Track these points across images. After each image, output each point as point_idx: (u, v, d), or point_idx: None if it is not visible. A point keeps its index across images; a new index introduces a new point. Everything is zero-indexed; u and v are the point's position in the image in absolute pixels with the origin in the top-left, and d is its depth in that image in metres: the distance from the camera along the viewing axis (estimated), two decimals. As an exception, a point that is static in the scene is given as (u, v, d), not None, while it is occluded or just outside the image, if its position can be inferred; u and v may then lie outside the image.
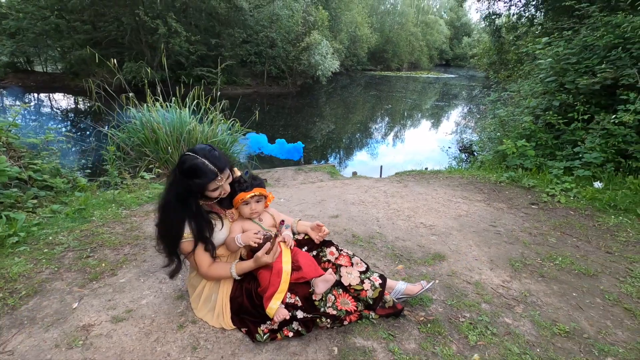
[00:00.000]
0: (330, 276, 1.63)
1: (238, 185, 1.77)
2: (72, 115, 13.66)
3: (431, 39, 51.96)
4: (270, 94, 19.02)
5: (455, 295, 2.07)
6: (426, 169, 5.98)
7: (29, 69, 18.52)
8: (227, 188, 1.66)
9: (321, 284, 1.61)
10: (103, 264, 2.13)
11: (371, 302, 1.76)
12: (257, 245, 1.63)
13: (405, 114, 17.66)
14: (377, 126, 14.78)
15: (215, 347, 1.57)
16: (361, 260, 1.87)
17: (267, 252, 1.60)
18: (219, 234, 1.70)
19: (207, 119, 5.73)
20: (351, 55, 32.67)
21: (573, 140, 4.66)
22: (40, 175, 3.39)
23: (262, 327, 1.63)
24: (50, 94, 16.86)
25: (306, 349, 1.60)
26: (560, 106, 5.00)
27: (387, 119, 16.65)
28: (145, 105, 5.40)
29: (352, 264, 1.82)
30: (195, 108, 5.78)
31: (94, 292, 1.87)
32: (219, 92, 6.08)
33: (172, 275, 1.68)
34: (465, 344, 1.70)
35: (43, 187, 3.39)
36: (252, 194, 1.77)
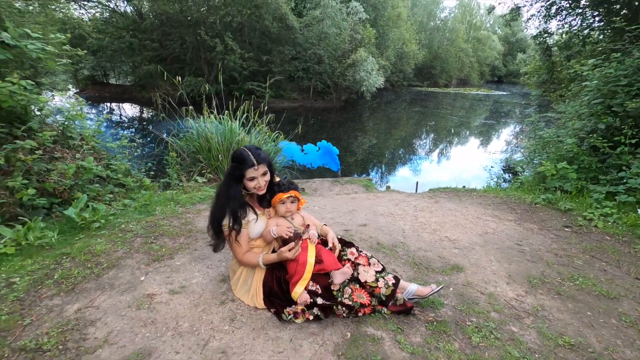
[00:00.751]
0: (347, 270, 1.91)
1: (277, 187, 2.12)
2: (137, 123, 15.22)
3: (483, 55, 50.51)
4: (315, 108, 19.71)
5: (467, 303, 2.23)
6: (463, 187, 6.00)
7: (105, 81, 20.91)
8: (262, 184, 2.02)
9: (339, 276, 1.89)
10: (163, 249, 2.57)
11: (384, 299, 2.00)
12: (287, 237, 1.95)
13: (450, 131, 17.40)
14: (419, 142, 14.74)
15: (248, 320, 1.90)
16: (378, 261, 2.12)
17: (290, 249, 1.92)
18: (256, 226, 2.05)
19: (254, 131, 6.29)
20: (397, 71, 32.75)
21: (618, 164, 4.51)
22: (116, 175, 4.01)
23: (288, 309, 1.94)
24: (121, 104, 18.89)
25: (323, 331, 1.88)
26: (607, 129, 4.86)
27: (430, 135, 16.53)
28: (201, 117, 6.07)
29: (369, 264, 2.07)
30: (244, 120, 6.37)
31: (156, 270, 2.29)
32: (266, 107, 6.64)
33: (215, 249, 2.06)
34: (468, 343, 1.87)
35: (117, 185, 4.01)
36: (288, 195, 2.11)
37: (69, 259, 2.32)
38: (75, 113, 3.96)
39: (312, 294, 1.91)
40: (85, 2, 19.27)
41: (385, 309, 2.04)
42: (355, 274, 2.04)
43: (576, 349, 1.88)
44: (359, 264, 2.06)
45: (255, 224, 2.05)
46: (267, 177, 2.07)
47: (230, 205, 1.96)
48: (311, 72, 19.08)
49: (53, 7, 19.45)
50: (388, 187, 6.24)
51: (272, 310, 1.99)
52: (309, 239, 2.05)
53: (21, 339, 1.63)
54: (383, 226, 3.46)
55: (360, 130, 16.55)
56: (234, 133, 5.98)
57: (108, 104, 18.78)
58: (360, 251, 2.13)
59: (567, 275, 2.64)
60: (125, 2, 20.24)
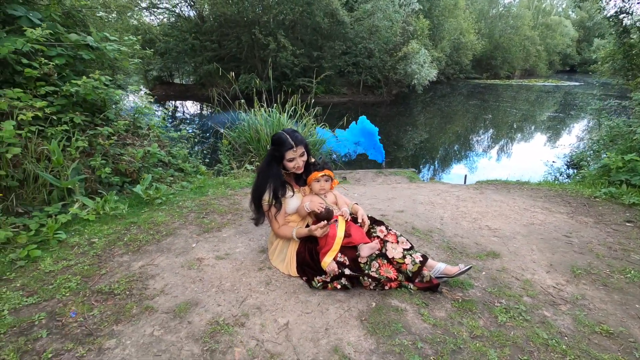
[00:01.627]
0: (374, 244, 2.01)
1: (313, 166, 2.29)
2: (197, 119, 16.40)
3: (552, 42, 46.11)
4: (364, 102, 19.62)
5: (498, 286, 2.22)
6: (518, 181, 5.69)
7: (171, 81, 22.77)
8: (301, 164, 2.19)
9: (366, 249, 2.00)
10: (213, 223, 2.87)
11: (410, 275, 2.07)
12: (319, 212, 2.11)
13: (511, 125, 16.30)
14: (474, 138, 14.04)
15: (282, 285, 2.10)
16: (407, 240, 2.19)
17: (320, 229, 2.07)
18: (292, 201, 2.23)
19: (301, 123, 6.55)
20: (453, 63, 31.22)
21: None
22: (176, 160, 4.47)
23: (318, 277, 2.10)
24: (184, 102, 20.47)
25: (349, 299, 2.01)
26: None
27: (488, 130, 15.64)
28: (252, 110, 6.47)
29: (397, 242, 2.16)
30: (291, 113, 6.66)
31: (205, 239, 2.59)
32: (312, 100, 6.86)
33: (256, 223, 2.28)
34: (494, 321, 1.88)
35: (177, 169, 4.48)
36: (323, 174, 2.26)
37: (135, 226, 2.71)
38: (143, 106, 4.47)
39: (340, 265, 2.05)
40: (155, 10, 21.15)
41: (411, 285, 2.11)
42: (384, 250, 2.13)
43: (614, 337, 1.81)
44: (387, 241, 2.15)
45: (292, 199, 2.24)
46: (305, 158, 2.24)
47: (271, 183, 2.16)
48: (361, 67, 19.01)
49: (128, 14, 21.57)
50: (432, 178, 6.12)
51: (304, 278, 2.16)
52: (342, 215, 2.19)
53: (99, 284, 1.99)
54: (421, 213, 3.48)
55: (411, 124, 16.16)
56: (282, 125, 6.29)
57: (172, 102, 20.46)
58: (390, 229, 2.22)
59: (619, 268, 2.48)
60: (189, 7, 21.88)
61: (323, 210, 2.11)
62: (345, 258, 2.05)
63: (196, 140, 5.60)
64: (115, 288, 1.95)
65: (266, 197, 2.17)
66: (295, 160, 2.17)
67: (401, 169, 6.61)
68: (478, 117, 17.76)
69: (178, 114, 17.90)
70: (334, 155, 7.15)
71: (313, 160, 2.37)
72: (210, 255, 2.37)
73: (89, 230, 2.61)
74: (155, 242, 2.51)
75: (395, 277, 2.07)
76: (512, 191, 4.49)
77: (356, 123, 6.79)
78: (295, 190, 2.29)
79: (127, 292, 1.93)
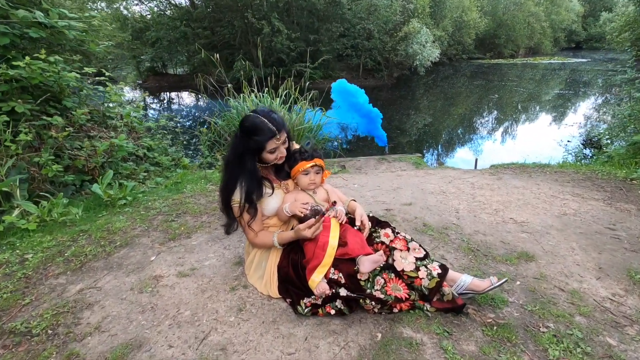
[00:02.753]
0: (378, 257, 1.51)
1: (299, 155, 1.77)
2: (192, 109, 15.82)
3: (557, 18, 44.50)
4: (364, 86, 18.80)
5: (540, 302, 1.72)
6: (536, 164, 5.14)
7: (164, 72, 22.07)
8: (284, 152, 1.68)
9: (367, 263, 1.50)
10: (182, 228, 2.38)
11: (426, 292, 1.58)
12: (303, 215, 1.60)
13: (517, 105, 15.58)
14: (481, 119, 13.37)
15: (259, 312, 1.61)
16: (420, 246, 1.69)
17: (309, 227, 1.56)
18: (271, 201, 1.72)
19: (296, 108, 5.99)
20: (455, 44, 30.16)
21: None
22: (152, 154, 3.96)
23: (305, 300, 1.60)
24: (179, 92, 19.83)
25: (347, 329, 1.52)
26: None
27: (494, 111, 14.95)
28: (241, 96, 5.91)
29: (408, 249, 1.66)
30: (284, 98, 6.09)
31: (169, 249, 2.10)
32: (307, 83, 6.30)
33: (227, 230, 1.76)
34: (543, 357, 1.38)
35: (154, 164, 3.98)
36: (313, 164, 1.74)
37: (85, 236, 2.23)
38: (112, 93, 3.95)
39: (333, 283, 1.55)
40: (145, -2, 20.32)
41: (428, 306, 1.62)
42: (390, 260, 1.64)
43: None
44: (394, 249, 1.65)
45: (270, 199, 1.73)
46: (287, 144, 1.72)
47: (244, 182, 1.64)
48: (360, 49, 18.21)
49: (116, 5, 20.81)
50: (441, 164, 5.59)
51: (287, 300, 1.67)
52: (335, 216, 1.69)
53: (14, 320, 1.51)
54: (432, 205, 2.97)
55: (413, 108, 15.49)
56: (274, 110, 5.74)
57: (167, 94, 19.84)
58: (397, 233, 1.72)
59: (687, 270, 1.96)
60: (179, -7, 21.02)
61: (308, 211, 1.60)
62: (340, 275, 1.55)
63: (178, 130, 5.07)
64: (35, 326, 1.47)
65: (236, 197, 1.65)
66: (278, 149, 1.66)
67: (406, 155, 6.07)
68: (484, 98, 17.03)
69: (174, 106, 17.32)
70: (335, 143, 6.61)
71: (298, 146, 1.85)
72: (171, 271, 1.88)
73: (25, 243, 2.13)
74: (105, 255, 2.02)
75: (407, 296, 1.57)
76: (533, 175, 3.95)
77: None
78: (275, 186, 1.77)
79: (50, 332, 1.45)
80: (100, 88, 3.83)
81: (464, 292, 1.65)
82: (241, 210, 1.65)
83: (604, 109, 12.85)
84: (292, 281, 1.66)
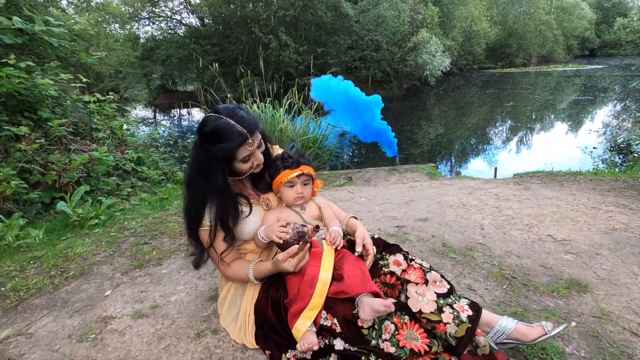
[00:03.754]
0: (382, 307, 1.08)
1: (281, 162, 1.38)
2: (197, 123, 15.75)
3: (569, 26, 43.84)
4: (374, 98, 18.60)
5: (609, 352, 1.26)
6: (567, 171, 4.64)
7: (174, 89, 22.32)
8: (260, 157, 1.30)
9: (368, 309, 1.09)
10: (154, 252, 2.01)
11: (453, 343, 1.15)
12: (282, 241, 1.21)
13: (534, 112, 14.99)
14: (495, 128, 12.84)
15: (227, 370, 1.21)
16: (442, 277, 1.27)
17: (292, 256, 1.17)
18: (248, 223, 1.33)
19: (299, 117, 5.67)
20: (465, 54, 29.81)
21: None
22: (141, 168, 3.65)
23: (289, 353, 1.19)
24: (188, 109, 19.91)
25: (345, 398, 1.10)
26: None
27: (509, 119, 14.39)
28: (243, 106, 5.62)
29: (426, 282, 1.24)
30: (287, 107, 5.79)
31: (132, 280, 1.73)
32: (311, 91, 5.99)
33: (196, 264, 1.38)
34: None
35: (143, 179, 3.66)
36: (299, 172, 1.35)
37: (37, 264, 1.88)
38: (106, 106, 3.69)
39: (326, 332, 1.15)
40: (157, 19, 20.70)
41: (456, 361, 1.19)
42: (403, 298, 1.23)
43: None
44: (408, 282, 1.24)
45: (247, 220, 1.34)
46: (263, 147, 1.35)
47: (215, 202, 1.26)
48: (369, 61, 18.00)
49: (128, 26, 21.34)
50: (458, 174, 5.14)
51: (266, 352, 1.26)
52: (325, 239, 1.29)
53: None
54: (451, 221, 2.53)
55: (425, 119, 15.07)
56: (277, 120, 5.44)
57: (177, 110, 19.95)
58: (412, 260, 1.31)
59: None
60: (189, 14, 21.39)
61: (288, 235, 1.21)
62: (335, 321, 1.15)
63: (171, 141, 4.78)
64: None
65: (206, 221, 1.27)
66: (253, 156, 1.27)
67: (418, 165, 5.63)
68: (498, 106, 16.49)
69: (184, 122, 17.32)
70: (345, 157, 6.25)
71: (279, 151, 1.48)
72: (126, 310, 1.50)
73: (-38, 273, 1.79)
74: (51, 289, 1.66)
75: (427, 348, 1.15)
76: (565, 184, 3.47)
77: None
78: (252, 202, 1.38)
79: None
80: (85, 98, 3.57)
81: (506, 341, 1.21)
82: (211, 238, 1.27)
83: (624, 115, 12.19)
84: (273, 326, 1.25)
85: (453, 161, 9.52)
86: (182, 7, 20.39)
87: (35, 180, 2.58)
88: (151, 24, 21.51)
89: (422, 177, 4.89)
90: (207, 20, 19.85)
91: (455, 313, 1.17)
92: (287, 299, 1.22)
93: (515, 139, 10.85)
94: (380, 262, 1.33)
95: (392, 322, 1.17)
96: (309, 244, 1.17)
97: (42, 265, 1.85)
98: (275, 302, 1.26)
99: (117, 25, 21.53)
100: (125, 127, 4.05)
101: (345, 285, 1.14)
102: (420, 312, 1.19)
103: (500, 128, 12.55)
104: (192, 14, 20.69)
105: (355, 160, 6.98)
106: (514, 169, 6.86)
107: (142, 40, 20.60)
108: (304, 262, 1.19)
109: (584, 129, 10.88)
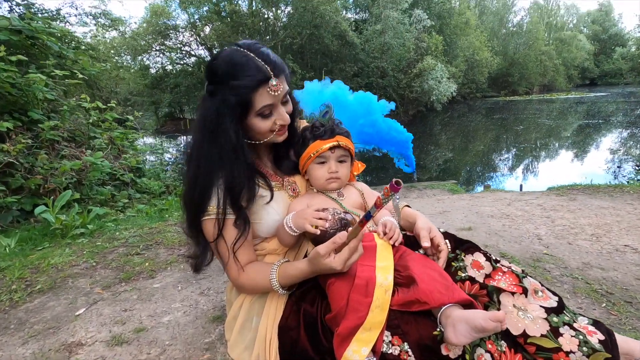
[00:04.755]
0: (489, 322, 0.69)
1: (311, 132, 1.03)
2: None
3: (569, 56, 44.78)
4: (380, 124, 18.53)
5: None
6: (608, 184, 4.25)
7: (182, 116, 22.54)
8: (285, 117, 0.92)
9: (463, 327, 0.70)
10: (147, 264, 1.63)
11: (585, 384, 0.75)
12: (320, 232, 0.84)
13: (545, 135, 14.73)
14: (504, 155, 12.53)
15: None
16: (544, 286, 0.89)
17: (338, 250, 0.79)
18: (269, 212, 0.97)
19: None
20: (469, 82, 30.22)
21: None
22: (141, 180, 3.34)
23: (334, 399, 0.79)
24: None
25: None
26: None
27: (521, 141, 14.12)
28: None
29: (524, 291, 0.85)
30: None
31: (114, 296, 1.34)
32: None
33: (196, 267, 0.97)
34: None
35: (143, 191, 3.33)
36: (334, 143, 0.99)
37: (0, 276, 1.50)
38: (106, 115, 3.44)
39: (390, 363, 0.75)
40: (169, 51, 21.29)
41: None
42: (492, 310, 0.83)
43: None
44: (499, 291, 0.85)
45: (267, 207, 0.97)
46: (291, 107, 0.97)
47: (225, 170, 0.89)
48: (374, 87, 18.14)
49: (139, 57, 21.95)
50: (487, 187, 4.76)
51: (297, 396, 0.86)
52: (381, 232, 0.93)
53: None
54: (500, 230, 2.14)
55: (433, 144, 14.87)
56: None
57: (184, 137, 20.01)
58: (497, 260, 0.92)
59: None
60: (198, 45, 22.02)
61: (328, 223, 0.84)
62: (404, 347, 0.75)
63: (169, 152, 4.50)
64: None
65: (212, 203, 0.90)
66: (276, 109, 0.91)
67: (438, 182, 5.28)
68: (508, 130, 16.31)
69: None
70: (357, 176, 5.92)
71: (307, 118, 1.13)
72: (101, 334, 1.11)
73: None
74: (9, 307, 1.27)
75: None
76: (614, 195, 3.08)
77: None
78: (274, 185, 1.02)
79: None
80: (85, 104, 3.31)
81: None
82: (219, 225, 0.90)
83: (633, 140, 11.88)
84: (307, 356, 0.85)
85: (471, 180, 9.11)
86: (192, 39, 21.03)
87: (17, 185, 2.25)
88: (162, 54, 22.14)
89: (444, 193, 4.51)
90: (215, 50, 20.37)
91: (581, 337, 0.78)
92: (329, 315, 0.83)
93: (530, 159, 10.51)
94: (453, 263, 0.94)
95: (487, 351, 0.77)
96: (364, 229, 0.79)
97: (4, 278, 1.48)
98: (310, 320, 0.87)
99: (128, 57, 22.17)
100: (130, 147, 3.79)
101: (420, 292, 0.76)
102: (524, 334, 0.79)
103: (513, 148, 12.25)
104: (201, 46, 21.30)
105: (367, 178, 6.63)
106: (539, 185, 6.45)
107: (152, 70, 21.09)
108: (356, 256, 0.81)
109: (598, 149, 10.54)
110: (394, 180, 0.68)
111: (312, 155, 1.01)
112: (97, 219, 2.29)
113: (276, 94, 0.87)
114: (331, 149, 1.00)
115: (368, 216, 0.74)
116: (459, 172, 9.82)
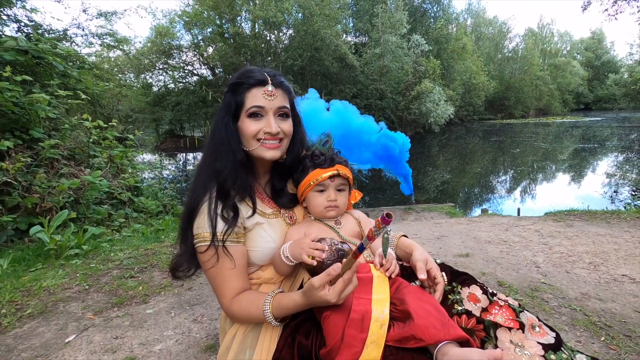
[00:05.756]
0: (493, 353, 0.70)
1: (310, 160, 1.04)
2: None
3: (563, 81, 45.83)
4: (379, 145, 18.69)
5: None
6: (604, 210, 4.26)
7: (182, 134, 22.70)
8: (274, 127, 0.92)
9: (459, 362, 0.69)
10: (140, 287, 1.61)
11: None
12: (317, 262, 0.84)
13: (541, 158, 14.87)
14: (501, 177, 12.61)
15: None
16: (541, 321, 0.88)
17: (332, 281, 0.79)
18: (265, 239, 0.97)
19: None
20: (466, 105, 30.76)
21: None
22: (139, 199, 3.33)
23: None
24: (193, 153, 20.05)
25: None
26: None
27: (518, 164, 14.24)
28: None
29: (521, 326, 0.85)
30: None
31: (106, 322, 1.32)
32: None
33: (174, 269, 0.96)
34: None
35: (140, 210, 3.32)
36: (333, 172, 1.01)
37: (-11, 299, 1.47)
38: (99, 135, 3.47)
39: (386, 404, 0.74)
40: (172, 70, 21.68)
41: None
42: (493, 347, 0.82)
43: None
44: (496, 326, 0.84)
45: (261, 232, 0.97)
46: (288, 126, 0.97)
47: (217, 164, 0.92)
48: (373, 108, 18.41)
49: (142, 75, 22.29)
50: (485, 211, 4.76)
51: None
52: (378, 263, 0.92)
53: None
54: (497, 257, 2.13)
55: (431, 165, 14.95)
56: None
57: (184, 155, 20.07)
58: (493, 294, 0.91)
59: None
60: (201, 65, 22.45)
61: (325, 254, 0.84)
62: (400, 385, 0.74)
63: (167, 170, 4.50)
64: None
65: (207, 233, 0.89)
66: (266, 116, 0.92)
67: (436, 204, 5.28)
68: (505, 153, 16.46)
69: (189, 166, 17.30)
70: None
71: (310, 146, 1.14)
72: (90, 363, 1.08)
73: None
74: (0, 331, 1.25)
75: None
76: (611, 222, 3.09)
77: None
78: (271, 210, 1.03)
79: None
80: (86, 124, 3.34)
81: None
82: (214, 223, 0.88)
83: (629, 164, 11.99)
84: (300, 393, 0.84)
85: (469, 202, 9.11)
86: (195, 58, 21.44)
87: (13, 204, 2.24)
88: (164, 73, 22.52)
89: (441, 216, 4.50)
90: (217, 70, 20.74)
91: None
92: (323, 350, 0.81)
93: (527, 182, 10.56)
94: (450, 296, 0.94)
95: (485, 390, 0.76)
96: (358, 261, 0.79)
97: (-7, 301, 1.46)
98: (304, 353, 0.86)
99: (132, 75, 22.51)
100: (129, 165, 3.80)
101: (416, 328, 0.75)
102: (522, 372, 0.78)
103: (511, 171, 12.33)
104: (204, 65, 21.70)
105: (366, 198, 6.63)
106: (537, 208, 6.45)
107: (155, 88, 21.37)
108: (351, 288, 0.80)
109: (595, 173, 10.63)
110: (385, 213, 0.69)
111: (311, 183, 1.02)
112: (92, 238, 2.28)
113: (269, 99, 0.91)
114: (331, 177, 1.01)
115: (361, 248, 0.75)
116: (457, 193, 9.84)
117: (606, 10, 8.96)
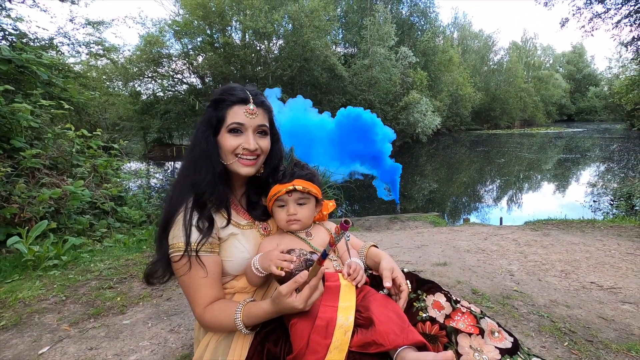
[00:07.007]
0: (443, 356, 0.74)
1: (272, 177, 1.09)
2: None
3: (547, 93, 47.21)
4: (367, 154, 18.88)
5: None
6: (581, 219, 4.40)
7: (170, 142, 22.53)
8: (252, 143, 0.97)
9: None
10: (118, 298, 1.61)
11: None
12: (285, 273, 0.87)
13: (524, 169, 15.22)
14: (487, 187, 12.86)
15: None
16: (500, 326, 0.93)
17: (299, 289, 0.83)
18: (239, 249, 1.00)
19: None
20: (453, 115, 31.37)
21: None
22: (122, 208, 3.31)
23: None
24: (181, 161, 19.86)
25: None
26: None
27: (502, 174, 14.53)
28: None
29: (480, 332, 0.89)
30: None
31: (81, 333, 1.32)
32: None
33: (149, 275, 0.98)
34: None
35: (124, 220, 3.30)
36: (289, 188, 1.04)
37: (-38, 311, 1.46)
38: (82, 144, 3.46)
39: (348, 407, 0.77)
40: (161, 79, 21.58)
41: None
42: (454, 352, 0.86)
43: None
44: (457, 331, 0.89)
45: (235, 242, 1.01)
46: (266, 144, 1.03)
47: (195, 175, 0.97)
48: (362, 119, 18.67)
49: (131, 83, 22.15)
50: (467, 220, 4.85)
51: None
52: (346, 273, 0.96)
53: None
54: (474, 266, 2.19)
55: (418, 174, 15.15)
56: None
57: (172, 163, 19.89)
58: (457, 301, 0.96)
59: None
60: (190, 74, 22.44)
61: (293, 264, 0.87)
62: (362, 389, 0.78)
63: (154, 179, 4.49)
64: None
65: (181, 243, 0.92)
66: (245, 132, 0.98)
67: (420, 214, 5.36)
68: (491, 162, 16.79)
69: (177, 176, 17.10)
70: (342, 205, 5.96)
71: (284, 164, 1.18)
72: (62, 374, 1.09)
73: None
74: (-31, 344, 1.24)
75: None
76: (586, 231, 3.20)
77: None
78: (246, 221, 1.07)
79: None
80: (69, 134, 3.33)
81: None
82: (188, 233, 0.92)
83: (609, 175, 12.36)
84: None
85: (454, 211, 9.25)
86: (184, 67, 21.42)
87: (-9, 214, 2.22)
88: (153, 81, 22.42)
89: (426, 226, 4.58)
90: (207, 79, 20.76)
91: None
92: (290, 356, 0.84)
93: (511, 191, 10.78)
94: (415, 303, 0.98)
95: (444, 393, 0.80)
96: (323, 267, 0.83)
97: (-33, 313, 1.44)
98: (272, 358, 0.89)
99: (120, 82, 22.34)
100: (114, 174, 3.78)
101: (377, 334, 0.79)
102: (480, 376, 0.82)
103: (496, 181, 12.58)
104: (194, 74, 21.70)
105: (355, 207, 6.68)
106: (519, 217, 6.59)
107: (143, 97, 21.22)
108: (317, 294, 0.84)
109: (578, 182, 10.92)
110: (343, 219, 0.75)
111: (271, 198, 1.06)
112: (72, 249, 2.26)
113: (251, 117, 0.97)
114: (288, 192, 1.05)
115: (324, 255, 0.79)
116: (444, 202, 9.97)
117: (583, 27, 9.34)
